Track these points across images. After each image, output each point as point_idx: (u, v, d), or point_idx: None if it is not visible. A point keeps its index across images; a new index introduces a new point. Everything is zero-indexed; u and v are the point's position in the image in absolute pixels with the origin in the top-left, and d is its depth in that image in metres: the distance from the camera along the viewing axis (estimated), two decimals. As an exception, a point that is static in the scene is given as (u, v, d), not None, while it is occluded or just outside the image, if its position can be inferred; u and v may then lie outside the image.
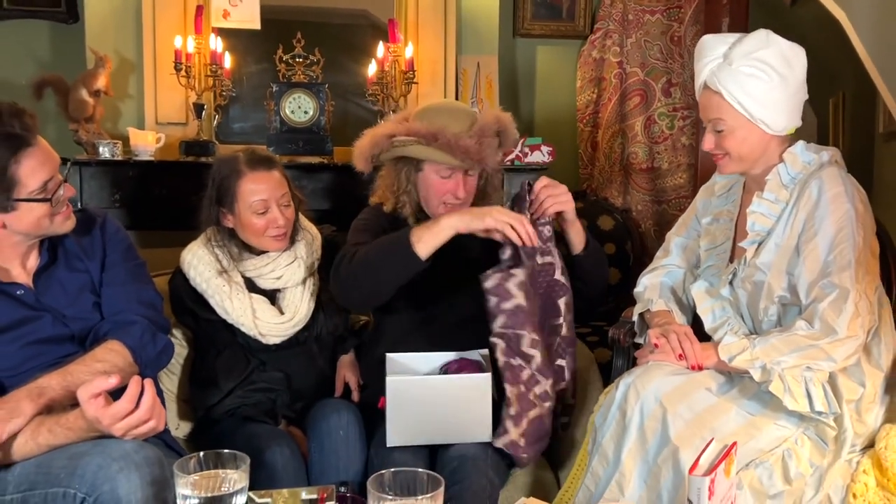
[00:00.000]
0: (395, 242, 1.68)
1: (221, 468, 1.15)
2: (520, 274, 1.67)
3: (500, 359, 1.67)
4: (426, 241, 1.65)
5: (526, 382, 1.70)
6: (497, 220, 1.65)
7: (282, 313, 1.88)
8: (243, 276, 1.89)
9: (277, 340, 1.88)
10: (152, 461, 1.31)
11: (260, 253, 1.90)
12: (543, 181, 1.78)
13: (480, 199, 1.96)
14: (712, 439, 1.12)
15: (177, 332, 2.00)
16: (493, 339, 1.68)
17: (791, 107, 1.62)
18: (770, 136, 1.63)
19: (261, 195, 1.83)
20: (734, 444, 1.11)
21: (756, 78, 1.56)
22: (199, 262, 1.87)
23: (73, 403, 1.40)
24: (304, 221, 1.99)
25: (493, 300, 1.67)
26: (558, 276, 1.79)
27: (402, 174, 1.88)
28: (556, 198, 1.77)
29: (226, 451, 1.17)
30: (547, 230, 1.79)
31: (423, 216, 1.94)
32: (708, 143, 1.66)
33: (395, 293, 1.74)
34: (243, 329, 1.85)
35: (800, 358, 1.51)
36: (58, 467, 1.32)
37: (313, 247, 1.97)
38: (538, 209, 1.77)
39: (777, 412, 1.53)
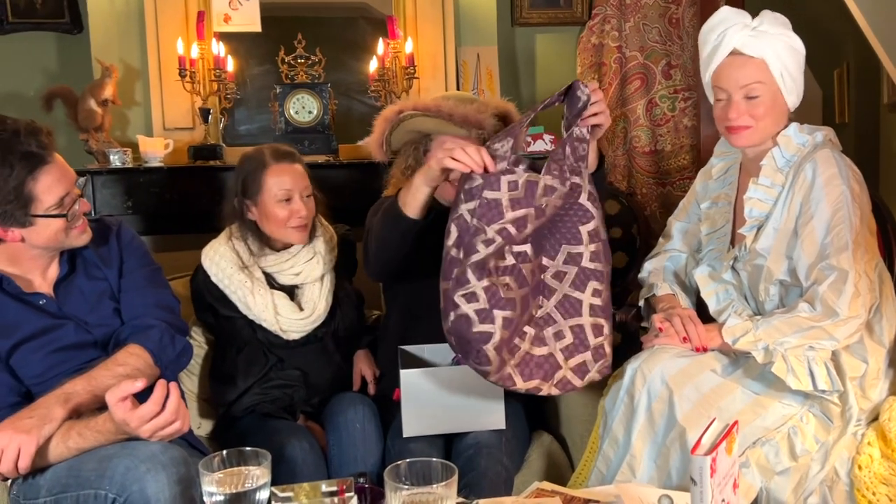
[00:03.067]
0: (389, 212, 1.73)
1: (244, 465, 1.20)
2: (519, 173, 1.54)
3: (448, 244, 1.55)
4: (409, 203, 1.68)
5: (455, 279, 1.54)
6: (438, 161, 1.58)
7: (301, 309, 1.92)
8: (263, 272, 1.93)
9: (297, 336, 1.92)
10: (178, 461, 1.36)
11: (280, 249, 1.95)
12: (595, 85, 1.64)
13: None
14: (714, 419, 1.16)
15: (196, 333, 2.04)
16: (450, 224, 1.56)
17: (801, 83, 1.66)
18: (785, 108, 1.65)
19: (285, 185, 1.88)
20: (735, 422, 1.15)
21: (794, 50, 1.60)
22: (221, 258, 1.91)
23: (99, 407, 1.46)
24: (322, 220, 2.04)
25: (476, 181, 1.55)
26: (584, 200, 1.61)
27: (411, 157, 1.91)
28: (603, 111, 1.63)
29: (248, 448, 1.21)
30: (582, 148, 1.62)
31: (435, 200, 1.92)
32: (739, 110, 1.62)
33: (404, 278, 1.86)
34: (265, 325, 1.89)
35: (802, 338, 1.53)
36: (88, 470, 1.37)
37: (331, 244, 2.02)
38: (584, 117, 1.62)
39: (782, 391, 1.55)
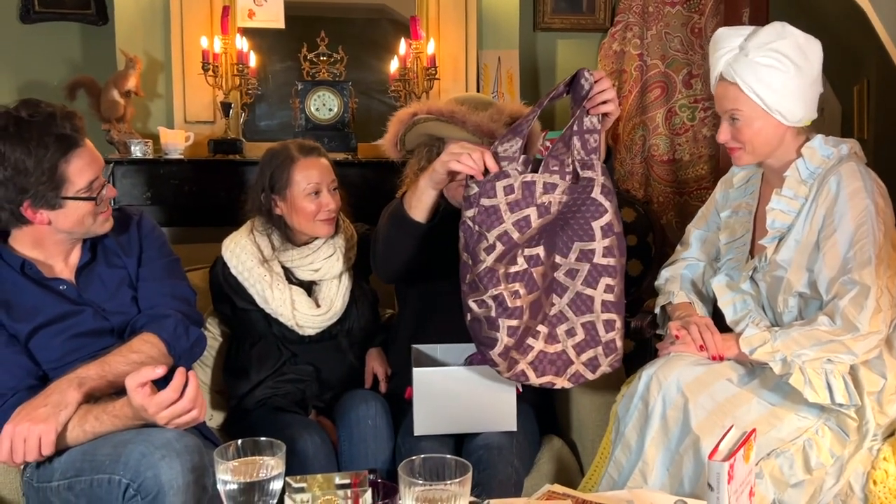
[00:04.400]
0: (395, 214, 1.73)
1: (259, 455, 1.20)
2: (514, 175, 1.54)
3: (459, 247, 1.57)
4: (415, 206, 1.68)
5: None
6: (443, 164, 1.58)
7: (318, 306, 1.93)
8: (282, 267, 1.94)
9: (312, 332, 1.93)
10: (192, 449, 1.36)
11: (301, 244, 1.96)
12: (602, 74, 1.60)
13: None
14: (732, 426, 1.15)
15: (210, 326, 2.05)
16: (459, 229, 1.58)
17: (807, 98, 1.61)
18: (785, 127, 1.62)
19: (313, 179, 1.90)
20: (753, 430, 1.14)
21: (773, 68, 1.56)
22: (242, 250, 1.92)
23: (112, 392, 1.47)
24: (343, 217, 2.04)
25: (473, 189, 1.56)
26: (596, 194, 1.58)
27: (424, 159, 1.90)
28: (612, 99, 1.58)
29: (263, 438, 1.21)
30: (594, 139, 1.59)
31: (445, 201, 1.93)
32: (724, 134, 1.66)
33: (414, 280, 1.86)
34: (281, 319, 1.90)
35: (821, 351, 1.52)
36: (103, 455, 1.38)
37: (351, 242, 2.03)
38: (590, 104, 1.58)
39: (798, 403, 1.54)
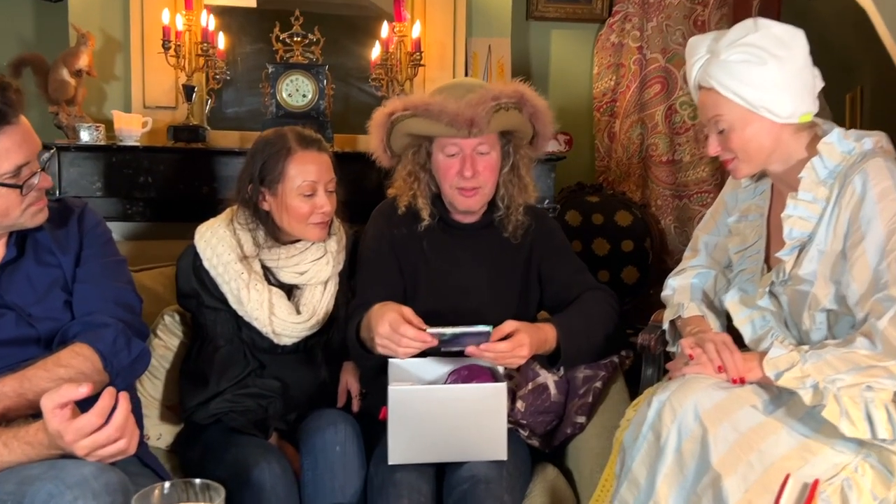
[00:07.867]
0: (358, 350, 1.70)
1: (192, 501, 1.00)
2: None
3: None
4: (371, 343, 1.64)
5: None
6: (379, 338, 1.57)
7: (298, 312, 1.76)
8: (263, 266, 1.77)
9: (290, 341, 1.76)
10: (114, 488, 1.17)
11: (286, 243, 1.78)
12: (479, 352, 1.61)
13: (511, 182, 1.83)
14: (788, 475, 0.94)
15: (162, 333, 1.89)
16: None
17: (796, 88, 1.46)
18: (779, 125, 1.47)
19: (310, 176, 1.72)
20: (816, 482, 0.93)
21: (748, 63, 1.43)
22: (220, 242, 1.74)
23: (31, 414, 1.29)
24: (336, 218, 1.88)
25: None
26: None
27: (410, 163, 1.82)
28: (506, 359, 1.61)
29: (198, 480, 1.04)
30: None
31: (439, 206, 1.85)
32: (713, 146, 1.53)
33: (400, 295, 1.77)
34: (255, 324, 1.73)
35: (859, 376, 1.35)
36: (4, 493, 1.18)
37: (342, 244, 1.87)
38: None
39: (834, 435, 1.36)
